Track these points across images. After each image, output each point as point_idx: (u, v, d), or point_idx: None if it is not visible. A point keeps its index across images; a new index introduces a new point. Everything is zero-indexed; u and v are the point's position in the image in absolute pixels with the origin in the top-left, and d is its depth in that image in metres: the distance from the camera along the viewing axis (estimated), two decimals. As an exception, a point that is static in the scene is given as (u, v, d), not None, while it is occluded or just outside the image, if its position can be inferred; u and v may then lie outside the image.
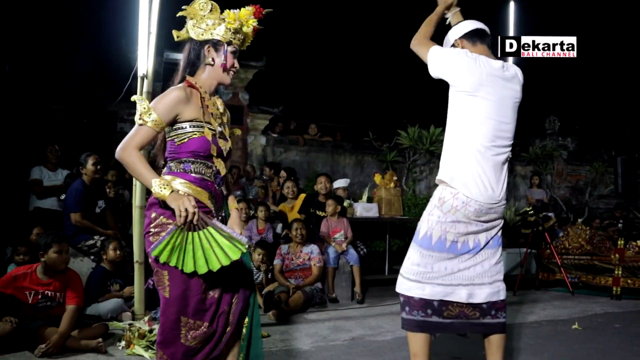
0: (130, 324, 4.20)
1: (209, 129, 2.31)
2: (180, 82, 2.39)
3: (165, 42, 9.83)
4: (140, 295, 4.63)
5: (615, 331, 4.68)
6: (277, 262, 6.01)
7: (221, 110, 2.47)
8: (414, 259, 2.84)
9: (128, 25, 5.39)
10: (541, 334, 4.56)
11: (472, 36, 2.84)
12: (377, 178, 7.63)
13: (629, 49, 15.87)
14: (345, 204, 6.88)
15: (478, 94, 2.67)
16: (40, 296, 3.94)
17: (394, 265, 7.82)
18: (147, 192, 7.42)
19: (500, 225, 2.84)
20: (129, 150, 2.15)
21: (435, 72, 2.79)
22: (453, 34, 2.91)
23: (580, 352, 3.82)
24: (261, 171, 8.97)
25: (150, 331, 4.03)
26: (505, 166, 2.78)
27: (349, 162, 10.37)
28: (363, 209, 7.15)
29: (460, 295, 2.74)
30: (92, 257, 5.28)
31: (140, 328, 4.04)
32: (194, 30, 2.38)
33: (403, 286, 2.85)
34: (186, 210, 2.05)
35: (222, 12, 2.37)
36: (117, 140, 8.42)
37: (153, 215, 2.23)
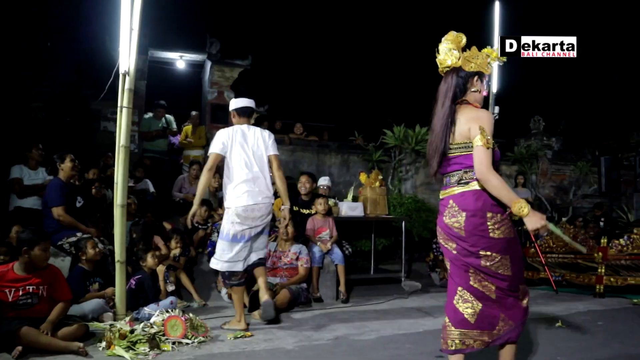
0: (111, 325, 4.14)
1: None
2: (451, 103, 2.79)
3: (150, 41, 9.77)
4: (122, 295, 4.56)
5: (598, 329, 4.71)
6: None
7: None
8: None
9: (111, 23, 5.32)
10: (525, 332, 4.56)
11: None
12: (363, 177, 7.61)
13: (612, 50, 16.04)
14: (331, 203, 6.86)
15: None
16: (21, 292, 3.88)
17: (380, 265, 7.82)
18: (143, 193, 7.39)
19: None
20: (493, 171, 2.61)
21: None
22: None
23: (564, 350, 3.83)
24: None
25: (132, 331, 3.97)
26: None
27: (335, 162, 10.35)
28: (348, 208, 7.13)
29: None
30: (73, 255, 5.20)
31: (121, 328, 3.98)
32: (466, 62, 2.82)
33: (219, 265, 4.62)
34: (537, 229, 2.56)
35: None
36: (100, 138, 8.32)
37: (489, 214, 2.67)
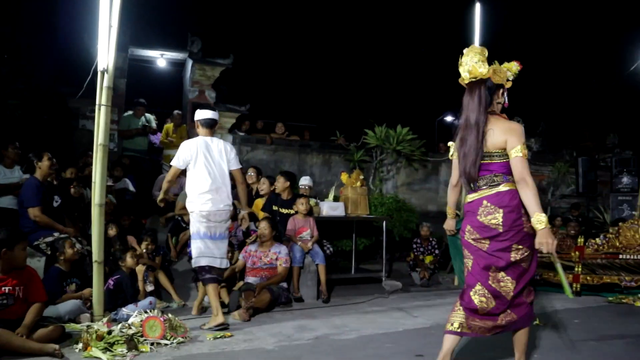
0: (88, 326, 4.07)
1: None
2: (484, 114, 3.01)
3: (130, 38, 9.65)
4: (100, 296, 4.49)
5: (575, 326, 4.78)
6: (240, 259, 5.95)
7: None
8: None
9: (90, 19, 5.23)
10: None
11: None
12: (344, 177, 7.63)
13: (590, 54, 16.28)
14: (312, 202, 6.86)
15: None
16: (-5, 293, 3.80)
17: (361, 264, 7.84)
18: (123, 192, 7.30)
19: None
20: (532, 179, 2.92)
21: None
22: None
23: (541, 347, 3.87)
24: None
25: (109, 332, 3.93)
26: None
27: (317, 161, 10.34)
28: (329, 207, 7.14)
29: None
30: (48, 255, 5.12)
31: (98, 330, 3.92)
32: (495, 75, 3.04)
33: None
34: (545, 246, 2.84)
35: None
36: (78, 137, 8.18)
37: (523, 211, 2.98)
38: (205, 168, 4.78)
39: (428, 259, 7.88)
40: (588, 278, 6.64)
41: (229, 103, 10.04)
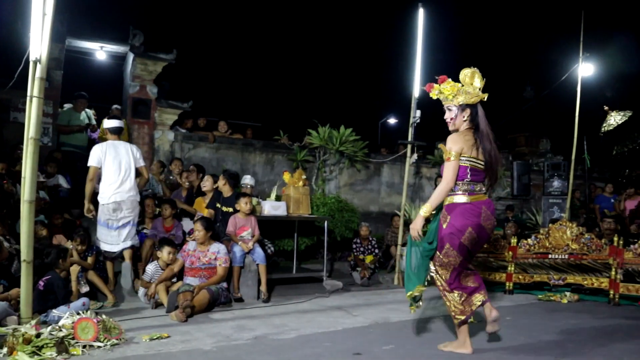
0: (14, 329, 3.88)
1: None
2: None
3: (68, 28, 9.28)
4: (28, 298, 4.27)
5: (506, 323, 4.94)
6: (178, 258, 5.84)
7: None
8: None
9: (24, 7, 4.99)
10: (438, 328, 4.74)
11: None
12: (286, 176, 7.61)
13: (525, 62, 16.99)
14: (254, 202, 6.81)
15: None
16: None
17: (302, 264, 7.86)
18: (56, 189, 7.01)
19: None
20: None
21: None
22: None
23: (474, 343, 3.97)
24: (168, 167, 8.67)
25: (38, 335, 3.75)
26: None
27: (259, 160, 10.28)
28: (271, 207, 7.11)
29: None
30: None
31: (25, 333, 3.74)
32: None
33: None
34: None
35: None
36: (10, 130, 7.79)
37: None
38: (112, 166, 5.81)
39: (368, 258, 7.98)
40: (520, 277, 6.91)
41: (171, 99, 9.83)
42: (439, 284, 3.81)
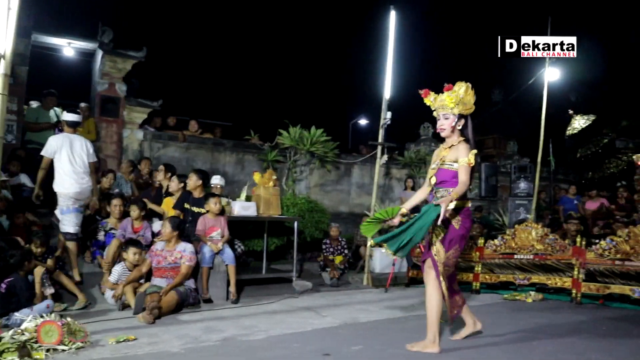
0: (-26, 332, 3.78)
1: None
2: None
3: (35, 24, 9.06)
4: (-10, 299, 4.19)
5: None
6: (146, 258, 5.77)
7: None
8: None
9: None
10: (407, 328, 4.79)
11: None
12: (257, 177, 7.58)
13: (492, 65, 17.29)
14: (223, 202, 6.76)
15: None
16: None
17: (272, 264, 7.84)
18: (19, 188, 6.82)
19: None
20: None
21: None
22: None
23: (441, 344, 4.04)
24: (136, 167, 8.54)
25: (-1, 339, 3.66)
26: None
27: (230, 160, 10.21)
28: (241, 207, 7.08)
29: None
30: None
31: (-14, 336, 3.65)
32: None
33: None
34: None
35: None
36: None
37: None
38: (68, 157, 5.97)
39: (338, 259, 8.02)
40: (487, 277, 7.05)
41: (140, 97, 9.70)
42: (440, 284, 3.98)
